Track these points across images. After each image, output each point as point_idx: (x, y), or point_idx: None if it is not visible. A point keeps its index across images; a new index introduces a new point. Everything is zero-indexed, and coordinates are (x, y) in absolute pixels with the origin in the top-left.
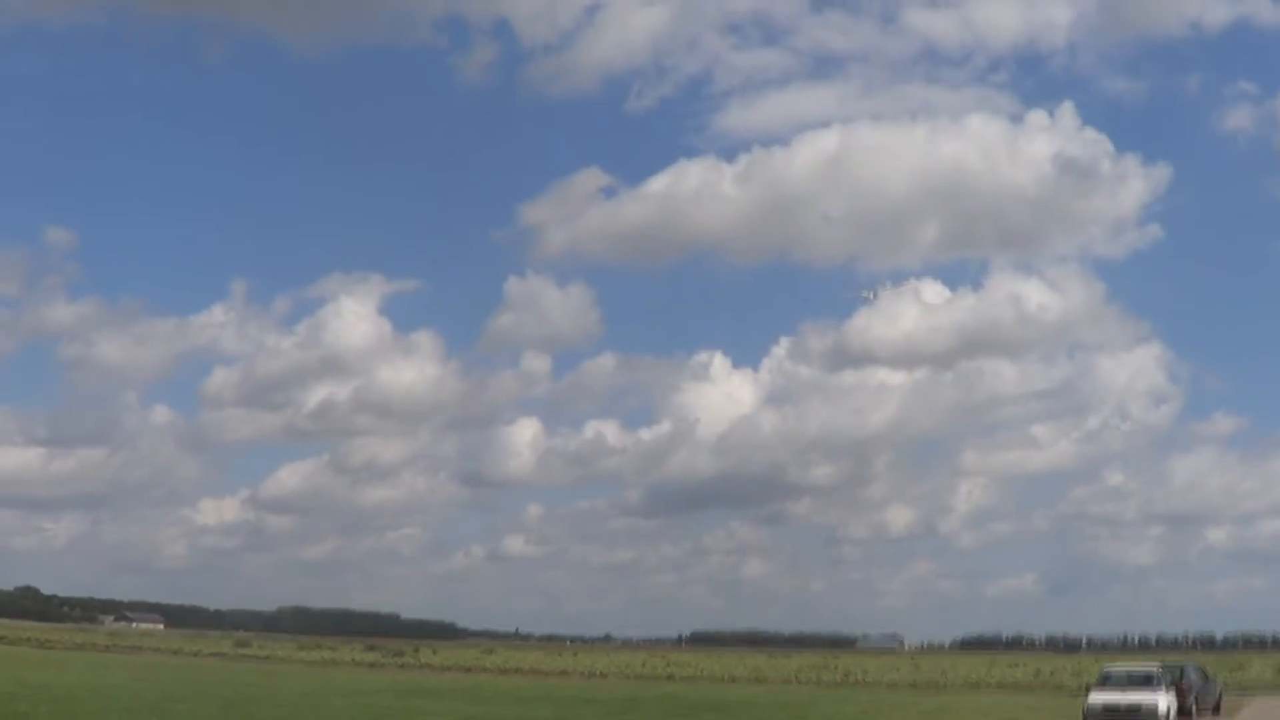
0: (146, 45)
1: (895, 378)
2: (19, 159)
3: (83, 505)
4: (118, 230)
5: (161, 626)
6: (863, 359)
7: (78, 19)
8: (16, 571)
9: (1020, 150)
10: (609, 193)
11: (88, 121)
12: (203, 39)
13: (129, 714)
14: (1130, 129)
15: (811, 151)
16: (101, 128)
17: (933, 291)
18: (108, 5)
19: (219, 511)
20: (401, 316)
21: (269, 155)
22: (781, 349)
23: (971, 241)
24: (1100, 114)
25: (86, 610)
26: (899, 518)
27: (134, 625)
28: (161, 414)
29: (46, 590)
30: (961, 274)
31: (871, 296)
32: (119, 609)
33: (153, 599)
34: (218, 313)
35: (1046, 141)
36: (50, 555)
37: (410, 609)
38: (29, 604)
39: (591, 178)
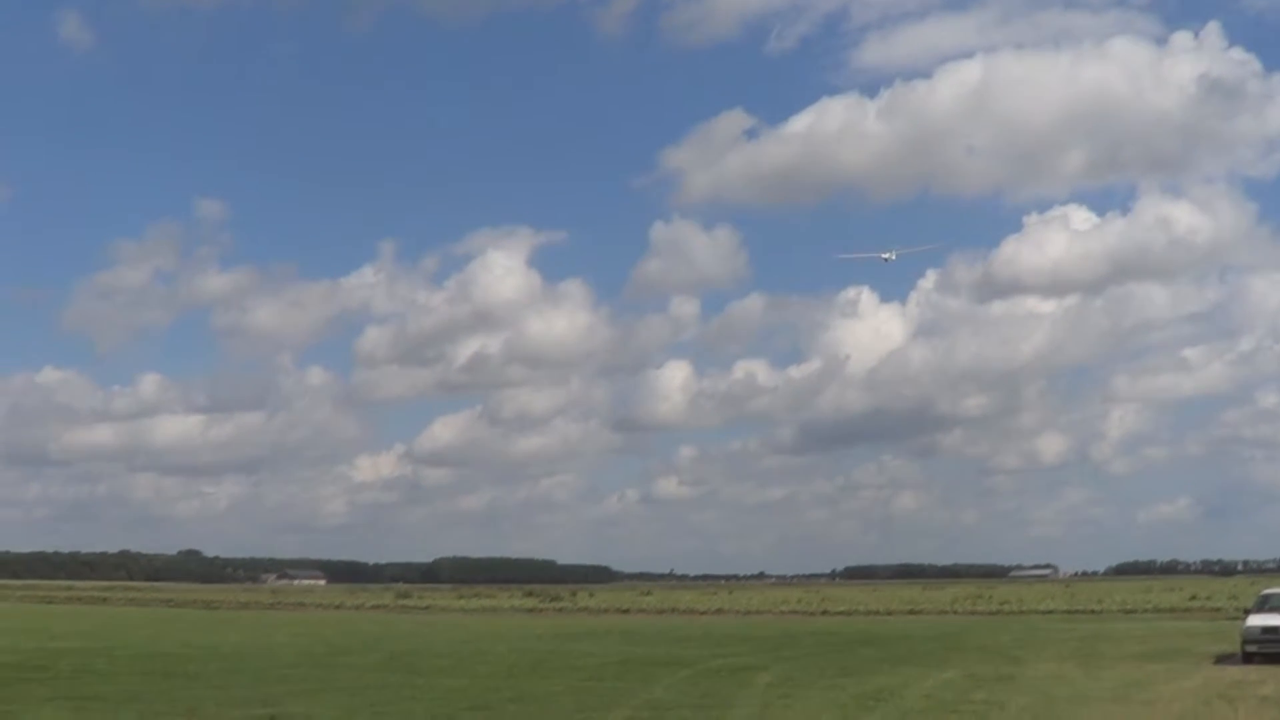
0: (291, 20)
1: (1045, 306)
2: (170, 135)
3: (243, 468)
4: (267, 199)
5: (323, 582)
6: (1011, 289)
7: None
8: (180, 536)
9: (1165, 73)
10: (751, 134)
11: (235, 96)
12: (346, 12)
13: (294, 669)
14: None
15: (953, 83)
16: (249, 102)
17: (1080, 218)
18: None
19: (376, 468)
20: (550, 267)
21: (413, 119)
22: (929, 282)
23: (1118, 167)
24: (1247, 32)
25: (249, 570)
26: (1050, 446)
27: (296, 582)
28: (316, 375)
29: (209, 553)
30: (1109, 200)
31: (891, 257)
32: (281, 567)
33: (313, 556)
34: (368, 273)
35: (1192, 63)
36: (212, 519)
37: (566, 554)
38: (193, 567)
39: (734, 120)
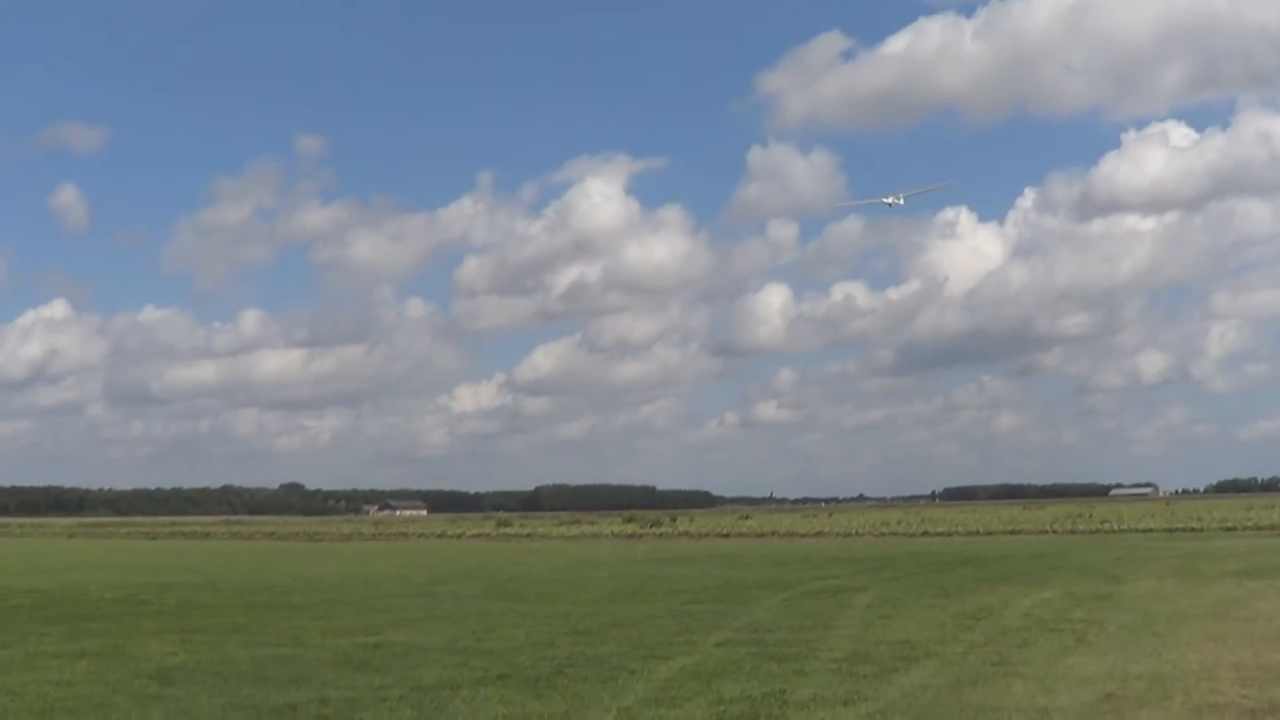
0: None
1: (1144, 224)
2: (269, 72)
3: (344, 401)
4: (367, 133)
5: (425, 513)
6: (1110, 207)
7: None
8: (283, 470)
9: None
10: (848, 56)
11: (333, 31)
12: None
13: (396, 599)
14: None
15: (1051, 1)
16: (347, 36)
17: (1179, 135)
18: None
19: (476, 398)
20: (648, 194)
21: (507, 48)
22: (1027, 201)
23: (1217, 82)
24: None
25: (351, 502)
26: (1151, 365)
27: (398, 513)
28: (416, 307)
29: (311, 486)
30: (1208, 116)
31: (899, 201)
32: (382, 498)
33: (415, 487)
34: (467, 204)
35: None
36: (314, 452)
37: (666, 480)
38: (295, 500)
39: (830, 42)
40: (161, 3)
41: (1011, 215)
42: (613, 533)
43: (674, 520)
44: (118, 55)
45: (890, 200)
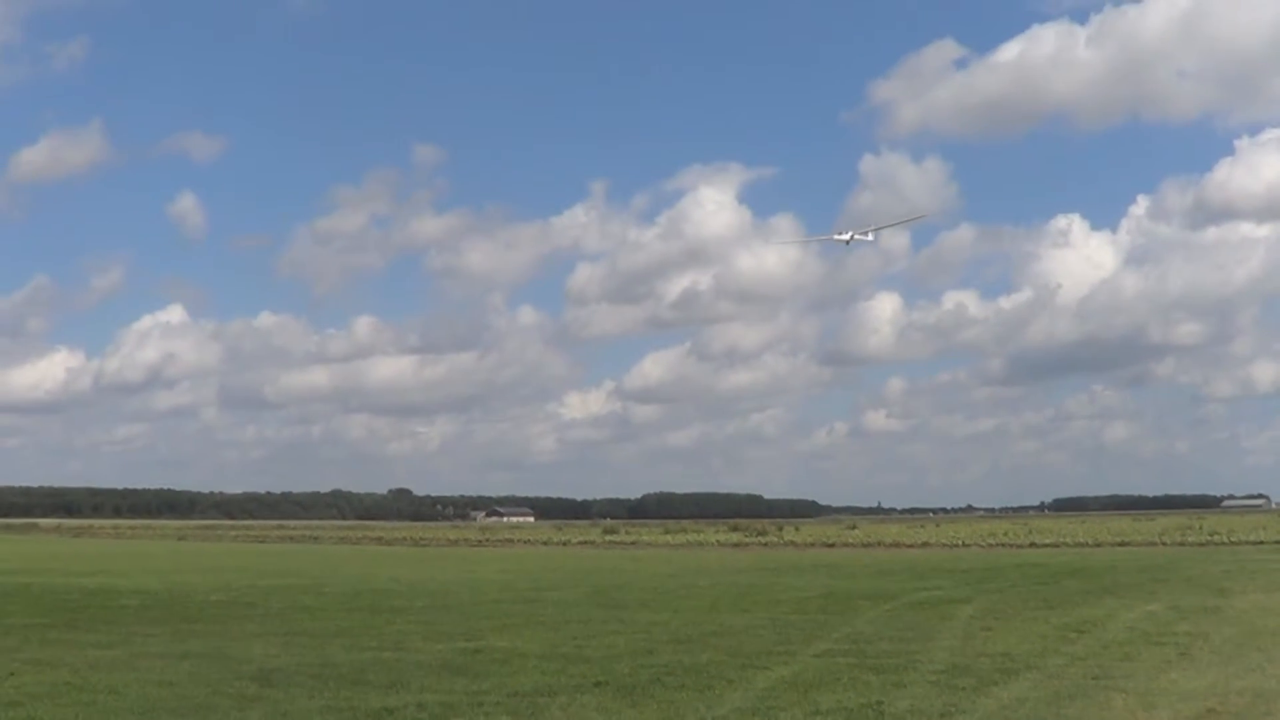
0: None
1: (1259, 231)
2: (388, 84)
3: (454, 408)
4: (481, 143)
5: (532, 519)
6: (1224, 214)
7: None
8: (392, 475)
9: None
10: (961, 64)
11: (450, 42)
12: None
13: (499, 604)
14: None
15: (1165, 7)
16: (464, 47)
17: None
18: None
19: (585, 405)
20: (760, 202)
21: (620, 56)
22: (1140, 208)
23: None
24: None
25: (459, 508)
26: (1266, 374)
27: (505, 519)
28: (528, 314)
29: (420, 491)
30: None
31: (867, 237)
32: (490, 505)
33: (522, 494)
34: (579, 212)
35: None
36: (424, 457)
37: (773, 489)
38: (404, 505)
39: (943, 50)
40: (281, 15)
41: (1124, 223)
42: (718, 541)
43: (780, 529)
44: (237, 66)
45: (846, 237)
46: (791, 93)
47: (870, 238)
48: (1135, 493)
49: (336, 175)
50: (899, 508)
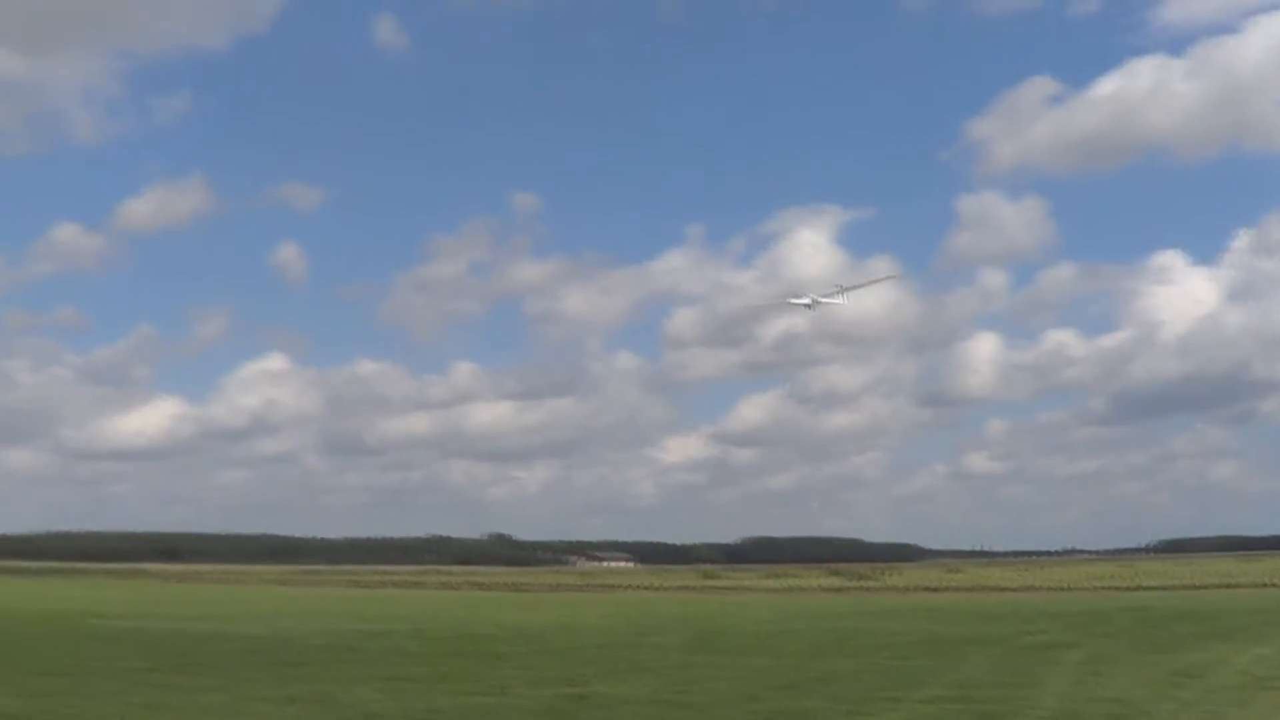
0: (598, 13)
1: None
2: (485, 132)
3: (552, 453)
4: (578, 189)
5: (630, 564)
6: None
7: None
8: (490, 520)
9: None
10: (1056, 100)
11: (547, 91)
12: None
13: (601, 649)
14: None
15: (1264, 37)
16: (560, 96)
17: None
18: None
19: (684, 449)
20: (858, 244)
21: (720, 103)
22: (1242, 242)
23: None
24: None
25: (556, 553)
26: None
27: (604, 564)
28: (625, 359)
29: (519, 536)
30: None
31: (838, 299)
32: (588, 549)
33: (620, 538)
34: (676, 257)
35: None
36: (522, 502)
37: (872, 532)
38: (502, 550)
39: (1038, 87)
40: (379, 66)
41: (1226, 257)
42: (818, 586)
43: (881, 573)
44: (338, 116)
45: (805, 301)
46: (887, 133)
47: (840, 300)
48: (1242, 533)
49: (435, 223)
50: (1000, 550)
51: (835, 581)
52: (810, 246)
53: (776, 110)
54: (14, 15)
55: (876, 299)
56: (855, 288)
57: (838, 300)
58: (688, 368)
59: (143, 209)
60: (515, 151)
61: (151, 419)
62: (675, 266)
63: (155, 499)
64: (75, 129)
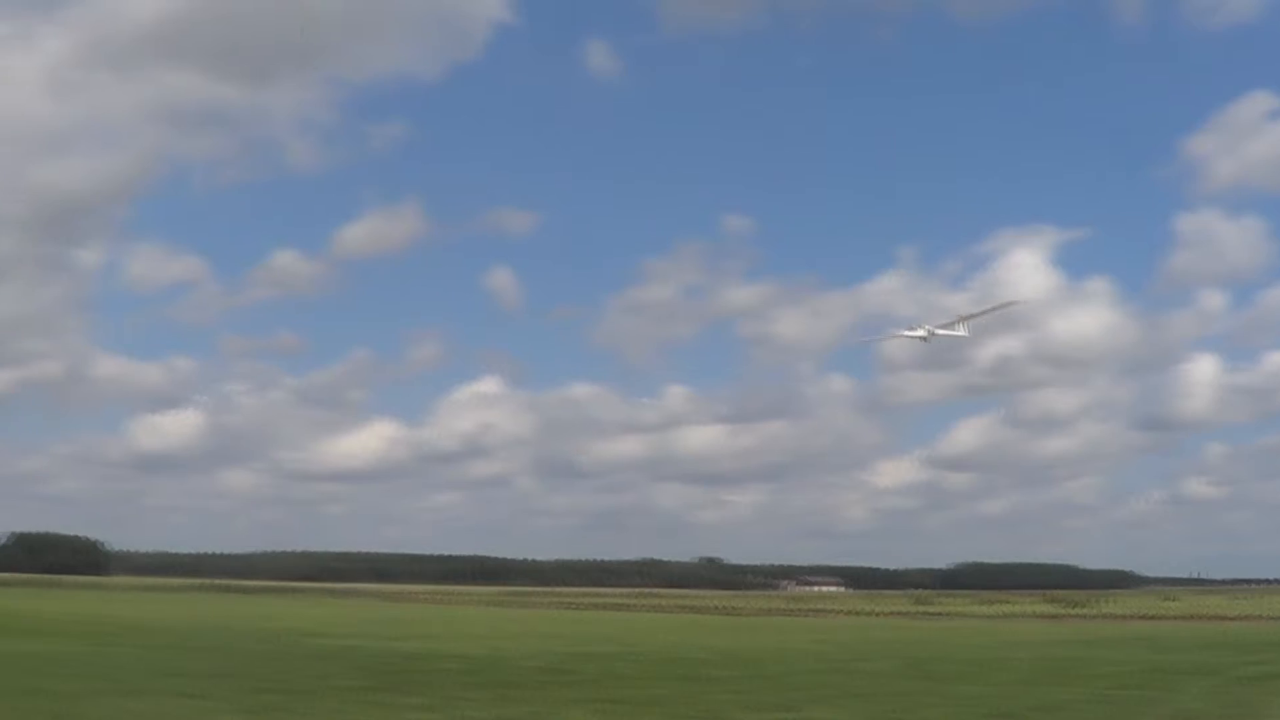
0: (809, 37)
1: None
2: (697, 156)
3: (764, 476)
4: (790, 212)
5: (841, 589)
6: None
7: (745, 23)
8: (702, 543)
9: None
10: (1276, 115)
11: (758, 114)
12: (869, 23)
13: (813, 674)
14: None
15: None
16: (770, 119)
17: None
18: (770, 2)
19: (896, 473)
20: (1073, 264)
21: (930, 123)
22: None
23: None
24: None
25: (767, 577)
26: None
27: (815, 589)
28: (838, 383)
29: (729, 560)
30: None
31: (959, 331)
32: (798, 574)
33: (831, 563)
34: (888, 279)
35: None
36: (733, 526)
37: (1087, 559)
38: (712, 574)
39: (1257, 102)
40: (590, 90)
41: None
42: (1033, 612)
43: (1096, 601)
44: (550, 142)
45: (921, 333)
46: (1101, 152)
47: (961, 330)
48: None
49: (647, 247)
50: (1219, 578)
51: (1050, 609)
52: (1025, 268)
53: (989, 130)
54: (233, 47)
55: (1093, 320)
56: (975, 316)
57: (958, 331)
58: (901, 391)
59: (359, 235)
60: (727, 174)
61: (366, 441)
62: (888, 288)
63: (369, 520)
64: (292, 157)
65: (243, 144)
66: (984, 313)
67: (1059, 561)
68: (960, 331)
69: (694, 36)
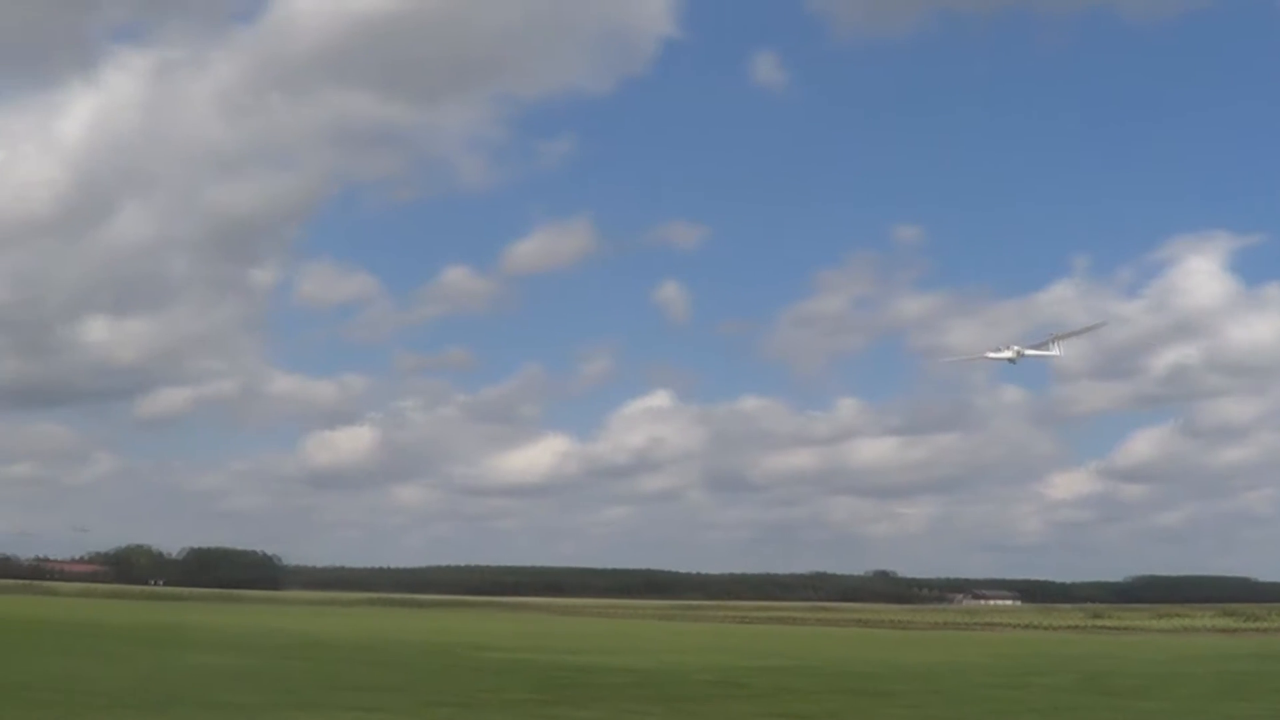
0: (979, 44)
1: None
2: (867, 167)
3: (936, 489)
4: (962, 222)
5: (1015, 602)
6: None
7: (915, 31)
8: (873, 556)
9: None
10: None
11: (928, 123)
12: (1040, 27)
13: (989, 689)
14: None
15: None
16: (941, 128)
17: None
18: (940, 10)
19: (1070, 485)
20: (1250, 270)
21: (1103, 130)
22: None
23: None
24: None
25: (940, 591)
26: None
27: (988, 602)
28: (1011, 394)
29: (901, 573)
30: None
31: (1052, 351)
32: (971, 588)
33: (1004, 576)
34: (1061, 288)
35: None
36: (905, 539)
37: (1266, 571)
38: (883, 587)
39: None
40: (756, 102)
41: None
42: (1210, 626)
43: (1275, 614)
44: (719, 155)
45: (1010, 354)
46: (1278, 155)
47: (1054, 350)
48: None
49: (817, 259)
50: None
51: (1228, 622)
52: (1201, 274)
53: (1162, 134)
54: (402, 66)
55: (1271, 328)
56: (1068, 335)
57: (1051, 351)
58: (1076, 401)
59: (529, 251)
60: (897, 184)
61: (538, 456)
62: (1061, 297)
63: (540, 534)
64: (462, 175)
65: (413, 163)
66: (1077, 332)
67: (1235, 574)
68: (1054, 351)
69: (862, 46)
